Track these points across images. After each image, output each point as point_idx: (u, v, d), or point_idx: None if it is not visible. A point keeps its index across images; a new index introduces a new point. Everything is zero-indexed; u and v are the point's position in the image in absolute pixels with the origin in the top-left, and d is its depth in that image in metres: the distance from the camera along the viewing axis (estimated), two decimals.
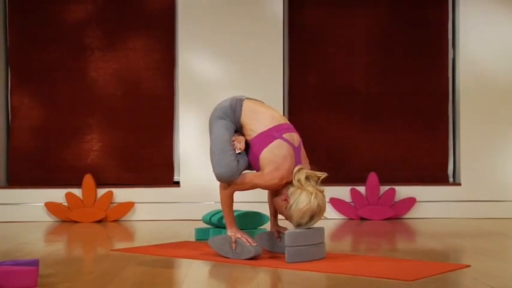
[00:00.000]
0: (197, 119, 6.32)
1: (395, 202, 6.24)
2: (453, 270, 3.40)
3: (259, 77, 6.33)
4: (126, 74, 6.44)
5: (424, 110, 6.45)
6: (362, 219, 6.22)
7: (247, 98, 4.01)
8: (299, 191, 3.64)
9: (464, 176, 6.32)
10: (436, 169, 6.45)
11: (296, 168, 3.70)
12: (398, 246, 4.66)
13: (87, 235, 5.37)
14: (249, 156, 3.83)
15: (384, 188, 6.24)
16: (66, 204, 6.21)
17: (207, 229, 4.75)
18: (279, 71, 6.34)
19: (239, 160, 3.80)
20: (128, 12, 6.46)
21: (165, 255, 4.00)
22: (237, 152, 3.82)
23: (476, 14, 6.35)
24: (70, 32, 6.44)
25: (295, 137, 3.84)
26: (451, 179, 6.49)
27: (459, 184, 6.33)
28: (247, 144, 3.86)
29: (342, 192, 6.23)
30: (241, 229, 4.54)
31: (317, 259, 3.73)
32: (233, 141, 3.87)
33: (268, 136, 3.77)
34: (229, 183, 3.80)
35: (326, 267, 3.50)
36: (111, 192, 6.24)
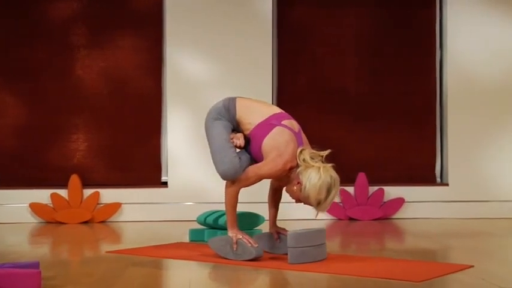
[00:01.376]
0: (185, 119, 6.26)
1: (384, 202, 6.24)
2: (458, 271, 3.39)
3: (248, 76, 6.29)
4: (113, 72, 6.35)
5: (412, 110, 6.46)
6: (351, 219, 6.21)
7: (239, 97, 4.00)
8: (308, 169, 3.61)
9: (452, 176, 6.35)
10: (423, 169, 6.47)
11: (299, 150, 3.69)
12: (393, 246, 4.65)
13: (76, 236, 5.28)
14: (251, 149, 3.81)
15: (373, 188, 6.24)
16: (51, 205, 6.10)
17: (202, 230, 4.70)
18: (268, 70, 6.31)
19: (241, 157, 3.77)
20: (114, 9, 6.37)
21: (162, 257, 3.94)
22: (237, 149, 3.79)
23: (463, 15, 6.38)
24: (55, 29, 6.33)
25: (294, 123, 3.84)
26: (438, 179, 6.51)
27: (447, 184, 6.35)
28: (247, 140, 3.84)
29: None
30: None
31: (319, 260, 3.70)
32: (231, 139, 3.83)
33: (267, 125, 3.77)
34: (233, 180, 3.74)
35: (332, 268, 3.47)
36: (98, 193, 6.15)
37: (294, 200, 3.74)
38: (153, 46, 6.37)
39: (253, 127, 3.80)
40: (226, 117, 3.88)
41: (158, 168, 6.36)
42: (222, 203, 6.08)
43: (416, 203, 6.29)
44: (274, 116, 3.81)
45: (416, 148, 6.45)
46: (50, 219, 6.08)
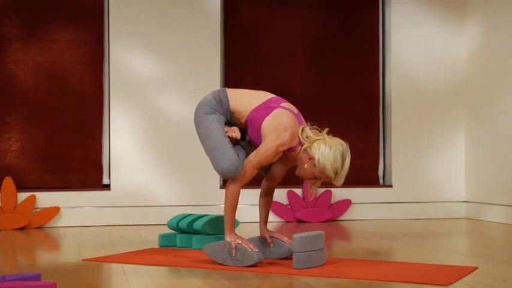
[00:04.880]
0: (129, 118, 5.95)
1: (332, 204, 6.21)
2: (469, 273, 3.37)
3: (196, 75, 6.06)
4: (49, 67, 5.93)
5: (357, 112, 6.47)
6: (299, 221, 6.13)
7: (227, 88, 3.88)
8: (314, 143, 3.56)
9: (395, 178, 6.40)
10: (367, 171, 6.49)
11: (300, 129, 3.63)
12: (364, 247, 4.58)
13: (20, 244, 4.85)
14: (249, 133, 3.70)
15: (320, 190, 6.18)
16: None
17: (173, 235, 4.44)
18: (216, 70, 6.11)
19: (238, 154, 3.60)
20: None
21: (151, 264, 3.67)
22: (234, 141, 3.67)
23: (406, 16, 6.44)
24: None
25: (292, 105, 3.75)
26: (381, 181, 6.56)
27: (391, 186, 6.41)
28: (243, 130, 3.73)
29: (279, 194, 6.09)
30: (212, 234, 4.33)
31: (321, 265, 3.58)
32: (226, 132, 3.67)
33: (267, 107, 3.66)
34: (233, 179, 3.56)
35: (349, 273, 3.33)
36: (34, 197, 5.71)
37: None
38: (94, 40, 6.00)
39: (249, 112, 3.67)
40: (219, 110, 3.71)
41: (99, 170, 6.00)
42: (168, 206, 5.94)
43: (363, 204, 6.30)
44: (272, 100, 3.72)
45: (361, 149, 6.45)
46: None
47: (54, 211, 5.75)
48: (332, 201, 6.21)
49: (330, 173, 3.53)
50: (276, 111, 3.63)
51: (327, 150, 3.52)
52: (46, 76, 5.92)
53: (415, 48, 6.44)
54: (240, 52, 6.29)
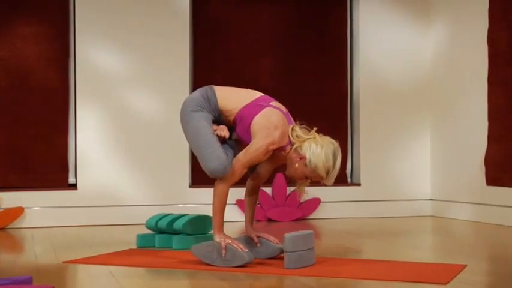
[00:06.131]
0: (97, 116, 5.80)
1: (301, 203, 6.17)
2: (461, 270, 3.37)
3: (165, 73, 5.95)
4: (12, 63, 5.73)
5: (325, 111, 6.45)
6: (270, 220, 6.08)
7: (215, 86, 3.77)
8: (305, 143, 3.51)
9: (363, 176, 6.41)
10: None
11: (290, 128, 3.58)
12: (347, 247, 4.57)
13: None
14: (238, 131, 3.62)
15: (290, 189, 6.14)
16: None
17: (152, 235, 4.33)
18: (185, 67, 6.01)
19: (227, 153, 3.52)
20: None
21: (137, 265, 3.57)
22: (221, 140, 3.59)
23: (373, 17, 6.46)
24: None
25: (281, 105, 3.70)
26: (349, 180, 6.56)
27: (359, 184, 6.41)
28: (232, 128, 3.66)
29: None
30: (192, 234, 4.25)
31: (311, 264, 3.53)
32: (215, 130, 3.60)
33: (256, 106, 3.60)
34: (221, 178, 3.49)
35: (345, 273, 3.30)
36: None
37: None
38: (59, 35, 5.82)
39: (238, 110, 3.60)
40: (207, 107, 3.63)
41: (65, 169, 5.82)
42: (136, 205, 5.81)
43: (332, 203, 6.29)
44: (261, 98, 3.67)
45: None
46: None
47: (18, 211, 5.55)
48: (301, 200, 6.18)
49: (322, 173, 3.49)
50: (265, 109, 3.58)
51: (318, 150, 3.48)
52: (8, 71, 5.73)
53: (383, 48, 6.46)
54: (209, 49, 6.20)
